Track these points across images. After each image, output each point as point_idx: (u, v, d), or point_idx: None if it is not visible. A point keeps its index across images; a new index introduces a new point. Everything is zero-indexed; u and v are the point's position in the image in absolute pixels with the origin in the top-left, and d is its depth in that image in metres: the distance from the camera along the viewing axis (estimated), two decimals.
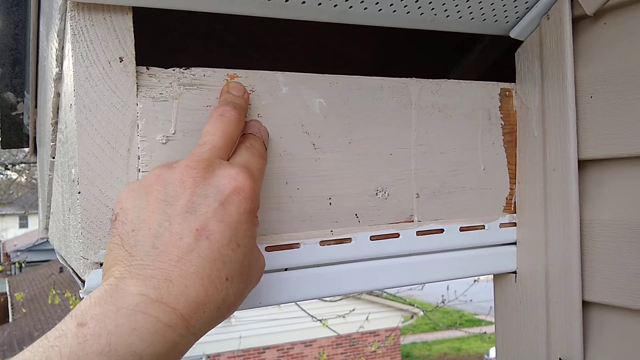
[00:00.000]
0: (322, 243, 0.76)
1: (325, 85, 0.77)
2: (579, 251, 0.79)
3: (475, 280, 6.87)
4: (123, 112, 0.66)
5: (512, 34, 0.89)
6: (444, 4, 0.80)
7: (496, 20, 0.87)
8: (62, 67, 0.74)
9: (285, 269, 0.74)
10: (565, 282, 0.80)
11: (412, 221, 0.81)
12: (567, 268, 0.80)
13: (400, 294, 8.29)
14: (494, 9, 0.84)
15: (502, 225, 0.88)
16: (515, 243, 0.89)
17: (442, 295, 6.65)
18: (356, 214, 0.78)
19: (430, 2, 0.79)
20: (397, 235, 0.80)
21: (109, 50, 0.65)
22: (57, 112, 0.81)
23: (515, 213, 0.89)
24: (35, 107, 1.14)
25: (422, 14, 0.81)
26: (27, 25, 0.97)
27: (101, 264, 0.64)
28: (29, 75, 1.06)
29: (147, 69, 0.68)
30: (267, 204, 0.73)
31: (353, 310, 7.67)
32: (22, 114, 1.26)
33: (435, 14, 0.82)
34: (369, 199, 0.79)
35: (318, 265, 0.76)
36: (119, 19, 0.65)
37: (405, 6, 0.79)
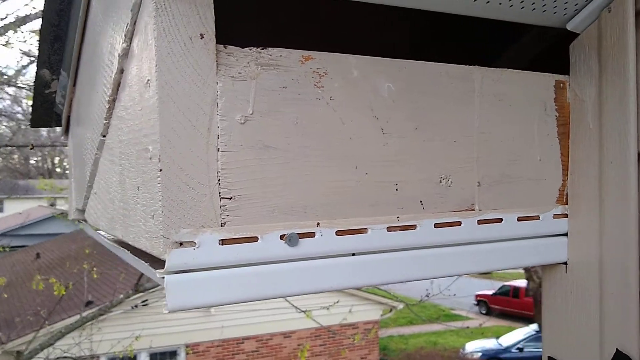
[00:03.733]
0: (389, 229, 0.75)
1: (394, 70, 0.76)
2: (637, 243, 0.80)
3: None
4: (203, 90, 0.64)
5: (569, 27, 0.89)
6: None
7: (555, 12, 0.87)
8: (130, 43, 0.72)
9: (353, 254, 0.74)
10: (622, 274, 0.81)
11: (474, 210, 0.81)
12: (624, 260, 0.81)
13: (382, 287, 8.31)
14: (554, 0, 0.84)
15: (555, 216, 0.88)
16: (566, 234, 0.89)
17: (427, 289, 6.70)
18: (421, 201, 0.78)
19: None
20: (459, 224, 0.80)
21: (190, 26, 0.64)
22: (117, 89, 0.79)
23: (567, 204, 0.90)
24: (74, 85, 1.11)
25: (488, 2, 0.81)
26: (74, 0, 0.94)
27: (181, 243, 0.63)
28: (68, 53, 1.03)
29: (225, 47, 0.66)
30: (337, 187, 0.72)
31: (337, 302, 7.65)
32: (55, 92, 1.23)
33: (500, 3, 0.82)
34: (433, 186, 0.79)
35: (384, 251, 0.75)
36: None
37: None
